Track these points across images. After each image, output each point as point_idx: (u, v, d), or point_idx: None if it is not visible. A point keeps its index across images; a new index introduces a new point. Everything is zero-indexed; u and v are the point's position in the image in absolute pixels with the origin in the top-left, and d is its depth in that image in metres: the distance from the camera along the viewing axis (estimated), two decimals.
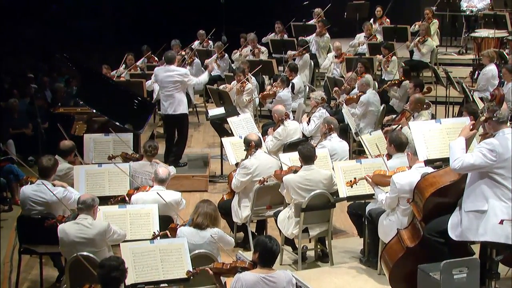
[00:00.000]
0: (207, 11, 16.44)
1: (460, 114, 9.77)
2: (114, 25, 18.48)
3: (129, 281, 5.15)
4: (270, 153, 8.47)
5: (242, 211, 7.34)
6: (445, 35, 14.59)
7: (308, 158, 6.77)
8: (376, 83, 11.00)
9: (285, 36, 13.71)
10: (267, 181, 7.19)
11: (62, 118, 9.74)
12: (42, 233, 6.47)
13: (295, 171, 6.83)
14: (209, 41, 14.29)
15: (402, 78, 10.73)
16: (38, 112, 10.07)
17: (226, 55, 13.51)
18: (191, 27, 14.80)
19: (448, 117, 10.49)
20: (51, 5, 18.14)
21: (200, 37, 14.28)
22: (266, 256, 4.88)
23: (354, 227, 7.32)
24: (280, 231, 6.98)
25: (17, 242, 6.73)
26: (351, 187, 6.46)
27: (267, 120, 10.99)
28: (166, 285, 5.47)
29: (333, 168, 6.86)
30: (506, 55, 11.37)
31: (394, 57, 11.96)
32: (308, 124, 9.38)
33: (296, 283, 5.11)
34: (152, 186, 6.84)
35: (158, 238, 5.94)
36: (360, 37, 13.43)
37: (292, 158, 7.32)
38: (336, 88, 10.71)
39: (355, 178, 6.42)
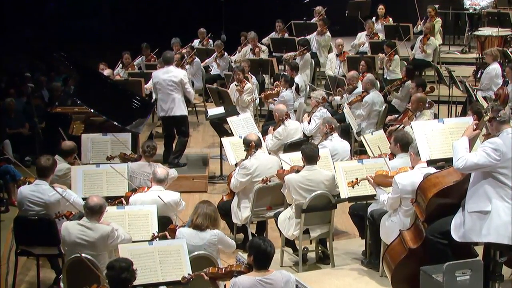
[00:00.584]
0: (207, 10, 16.45)
1: (463, 114, 9.80)
2: (112, 23, 18.50)
3: None
4: (270, 152, 8.49)
5: (242, 212, 7.34)
6: (448, 33, 14.59)
7: (311, 158, 6.77)
8: (378, 83, 11.01)
9: (286, 35, 13.71)
10: (270, 181, 7.20)
11: (60, 117, 9.75)
12: (39, 235, 6.49)
13: (297, 171, 6.83)
14: (209, 40, 14.29)
15: (405, 78, 10.73)
16: (35, 111, 10.06)
17: (226, 54, 13.50)
18: (191, 25, 14.80)
19: (451, 116, 10.49)
20: (48, 4, 18.16)
21: (201, 35, 14.29)
22: (261, 258, 4.88)
23: (355, 228, 7.32)
24: (280, 232, 6.98)
25: (14, 243, 6.73)
26: (353, 187, 6.46)
27: (269, 121, 10.99)
28: (165, 287, 5.47)
29: (334, 168, 6.86)
30: (510, 54, 11.36)
31: (396, 56, 11.95)
32: (309, 124, 9.39)
33: (297, 285, 5.11)
34: (151, 187, 6.85)
35: (157, 239, 5.94)
36: (361, 36, 13.43)
37: (292, 158, 7.32)
38: (339, 88, 10.70)
39: (356, 179, 6.42)
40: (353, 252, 7.15)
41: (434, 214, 5.46)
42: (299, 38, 12.94)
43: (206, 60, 13.44)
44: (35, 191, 6.59)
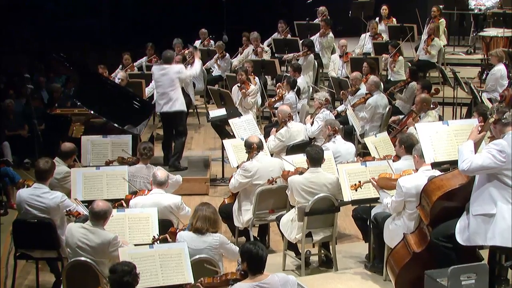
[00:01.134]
0: (209, 10, 16.46)
1: (468, 116, 9.80)
2: (113, 24, 18.51)
3: None
4: (272, 154, 8.50)
5: (243, 215, 7.34)
6: (452, 34, 14.60)
7: (315, 160, 6.77)
8: (382, 84, 11.01)
9: (289, 36, 13.71)
10: (275, 181, 7.21)
11: (59, 119, 9.77)
12: (38, 238, 6.49)
13: (301, 173, 6.84)
14: (210, 41, 14.30)
15: (409, 79, 10.74)
16: (34, 113, 10.08)
17: (227, 55, 13.51)
18: (193, 26, 14.81)
19: (455, 118, 10.50)
20: (47, 4, 18.17)
21: (202, 36, 14.30)
22: (254, 263, 4.86)
23: (359, 231, 7.32)
24: (282, 235, 6.99)
25: (13, 246, 6.73)
26: (356, 190, 6.46)
27: (269, 122, 10.99)
28: None
29: (337, 171, 6.87)
30: None
31: (400, 57, 11.96)
32: (312, 126, 9.39)
33: None
34: (151, 190, 6.85)
35: (158, 242, 5.94)
36: (365, 37, 13.43)
37: (295, 161, 7.32)
38: (343, 91, 10.70)
39: (359, 182, 6.42)
40: (357, 255, 7.15)
41: (439, 217, 5.47)
42: (304, 39, 12.92)
43: (207, 63, 13.44)
44: (34, 194, 6.59)
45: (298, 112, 10.61)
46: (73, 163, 7.63)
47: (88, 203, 6.59)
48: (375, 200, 6.58)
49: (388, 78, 11.99)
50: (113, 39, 17.40)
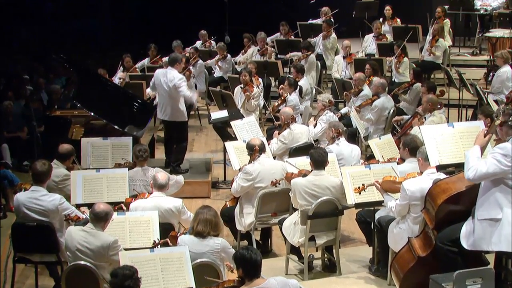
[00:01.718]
0: (211, 11, 16.48)
1: (473, 118, 9.79)
2: (113, 24, 18.53)
3: None
4: (275, 157, 8.49)
5: (245, 218, 7.34)
6: (458, 35, 14.59)
7: (319, 163, 6.77)
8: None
9: (292, 37, 13.71)
10: (279, 183, 7.21)
11: (59, 121, 9.77)
12: (37, 241, 6.50)
13: (304, 175, 6.84)
14: (211, 42, 14.30)
15: (413, 81, 10.74)
16: (33, 115, 10.09)
17: (229, 56, 13.52)
18: (194, 26, 14.83)
19: (461, 120, 10.49)
20: (47, 4, 18.21)
21: (202, 37, 14.31)
22: (250, 268, 4.82)
23: (362, 235, 7.31)
24: (285, 239, 6.98)
25: (12, 250, 6.74)
26: (359, 194, 6.46)
27: (272, 124, 10.99)
28: None
29: (341, 174, 6.87)
30: None
31: (405, 58, 11.95)
32: (315, 128, 9.40)
33: None
34: (151, 193, 6.85)
35: (159, 246, 5.95)
36: (369, 38, 13.42)
37: (298, 163, 7.33)
38: (346, 92, 10.71)
39: (363, 185, 6.42)
40: (360, 259, 7.15)
41: (444, 221, 5.46)
42: (302, 41, 12.92)
43: (208, 61, 13.45)
44: (33, 197, 6.59)
45: (301, 114, 10.61)
46: (72, 165, 7.63)
47: (88, 206, 6.61)
48: (379, 203, 6.58)
49: (393, 79, 11.99)
50: (113, 40, 17.42)
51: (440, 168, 5.85)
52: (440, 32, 12.66)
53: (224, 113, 10.07)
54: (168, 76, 9.33)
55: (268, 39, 13.74)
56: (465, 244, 5.22)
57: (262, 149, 7.44)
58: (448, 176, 5.63)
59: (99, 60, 13.68)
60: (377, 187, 6.29)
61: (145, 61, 13.29)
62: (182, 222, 6.73)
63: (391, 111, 10.01)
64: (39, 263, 6.73)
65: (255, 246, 7.28)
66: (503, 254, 5.27)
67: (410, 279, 5.65)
